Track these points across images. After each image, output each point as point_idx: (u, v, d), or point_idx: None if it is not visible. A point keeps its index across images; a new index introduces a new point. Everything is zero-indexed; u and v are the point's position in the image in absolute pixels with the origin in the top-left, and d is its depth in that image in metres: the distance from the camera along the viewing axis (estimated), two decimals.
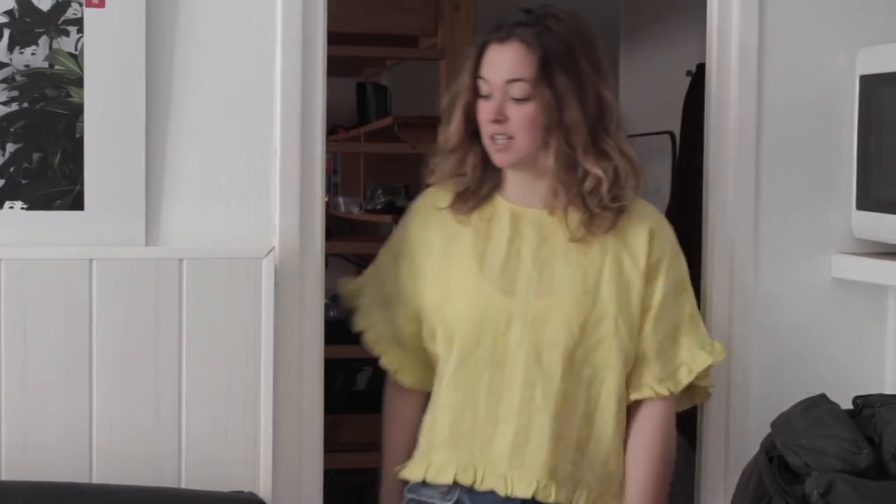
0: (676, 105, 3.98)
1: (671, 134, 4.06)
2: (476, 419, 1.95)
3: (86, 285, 2.07)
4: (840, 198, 2.37)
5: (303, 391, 2.18)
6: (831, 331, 2.37)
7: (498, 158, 1.95)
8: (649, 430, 2.01)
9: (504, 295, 1.94)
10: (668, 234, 2.03)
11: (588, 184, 1.92)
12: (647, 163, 4.12)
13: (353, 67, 5.00)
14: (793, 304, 2.34)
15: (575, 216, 1.94)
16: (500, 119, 1.91)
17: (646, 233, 1.98)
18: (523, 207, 1.99)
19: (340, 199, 4.79)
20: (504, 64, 1.91)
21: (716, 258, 2.33)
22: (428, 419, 2.03)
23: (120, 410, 2.10)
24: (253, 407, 2.13)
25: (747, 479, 2.04)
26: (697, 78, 3.79)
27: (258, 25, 2.15)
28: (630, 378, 2.00)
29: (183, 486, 2.11)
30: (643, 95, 4.34)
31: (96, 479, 2.09)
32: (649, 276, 1.97)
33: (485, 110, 1.93)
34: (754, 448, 2.05)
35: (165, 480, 2.11)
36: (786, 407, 2.07)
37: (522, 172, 1.98)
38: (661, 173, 4.01)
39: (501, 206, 2.00)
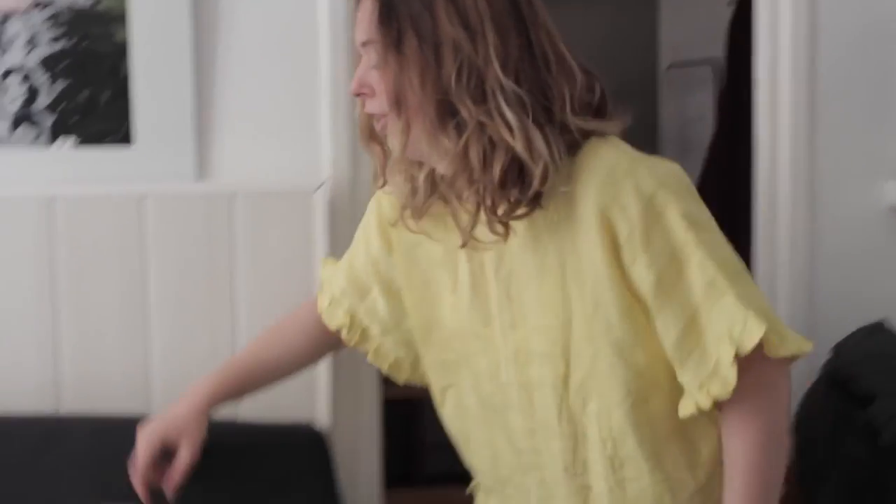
0: (719, 32, 3.91)
1: (714, 62, 4.00)
2: (509, 466, 1.58)
3: (138, 221, 2.07)
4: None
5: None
6: (889, 258, 2.34)
7: (388, 143, 1.49)
8: (729, 442, 1.45)
9: (482, 325, 1.52)
10: (631, 197, 1.40)
11: (440, 168, 1.46)
12: (690, 93, 4.09)
13: None
14: (850, 232, 2.30)
15: (463, 215, 1.46)
16: (362, 91, 1.46)
17: (593, 211, 1.41)
18: None
19: None
20: (359, 22, 1.47)
21: (769, 187, 2.29)
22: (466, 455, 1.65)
23: (177, 344, 2.11)
24: None
25: (809, 405, 2.02)
26: (742, 4, 3.72)
27: None
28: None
29: (240, 418, 2.12)
30: (685, 23, 4.27)
31: (156, 411, 2.10)
32: (626, 262, 1.42)
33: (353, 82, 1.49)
34: (816, 375, 2.03)
35: (223, 413, 2.11)
36: (846, 333, 2.06)
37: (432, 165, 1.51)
38: (703, 102, 3.96)
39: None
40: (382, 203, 1.62)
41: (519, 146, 1.37)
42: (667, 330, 1.42)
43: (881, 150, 2.32)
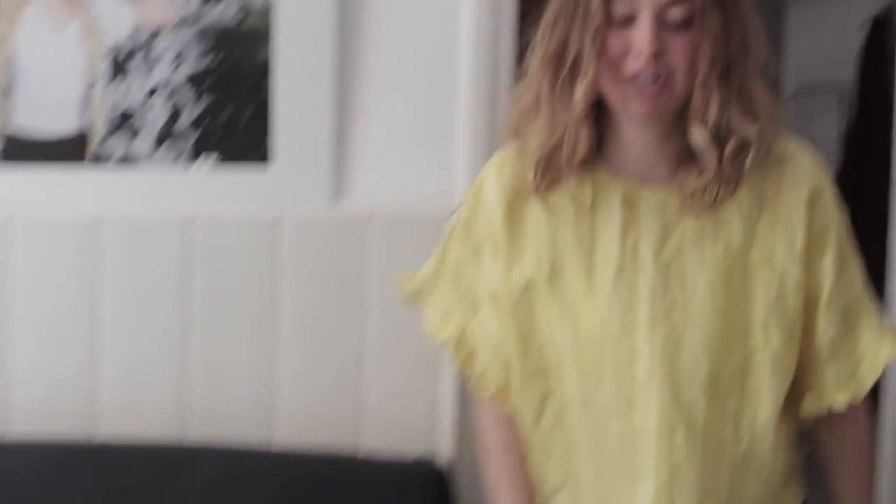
0: (846, 60, 3.81)
1: (839, 91, 3.90)
2: (614, 476, 1.48)
3: (272, 241, 2.07)
4: None
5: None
6: None
7: (641, 106, 1.40)
8: (851, 443, 1.54)
9: (623, 313, 1.44)
10: (830, 190, 1.47)
11: (731, 147, 1.41)
12: (811, 122, 3.98)
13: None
14: None
15: (693, 182, 1.44)
16: (660, 51, 1.37)
17: (805, 196, 1.44)
18: (639, 184, 1.46)
19: None
20: None
21: None
22: (545, 473, 1.58)
23: (304, 372, 2.10)
24: (435, 369, 2.10)
25: None
26: (876, 31, 3.63)
27: None
28: (799, 389, 1.51)
29: (362, 449, 2.10)
30: (809, 50, 4.18)
31: (276, 439, 2.10)
32: (813, 254, 1.46)
33: (638, 39, 1.37)
34: None
35: (344, 444, 2.10)
36: None
37: (649, 130, 1.45)
38: (825, 135, 3.85)
39: (608, 184, 1.46)
40: (495, 203, 1.52)
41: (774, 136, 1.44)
42: (829, 324, 1.47)
43: None
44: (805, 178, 1.45)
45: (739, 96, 1.40)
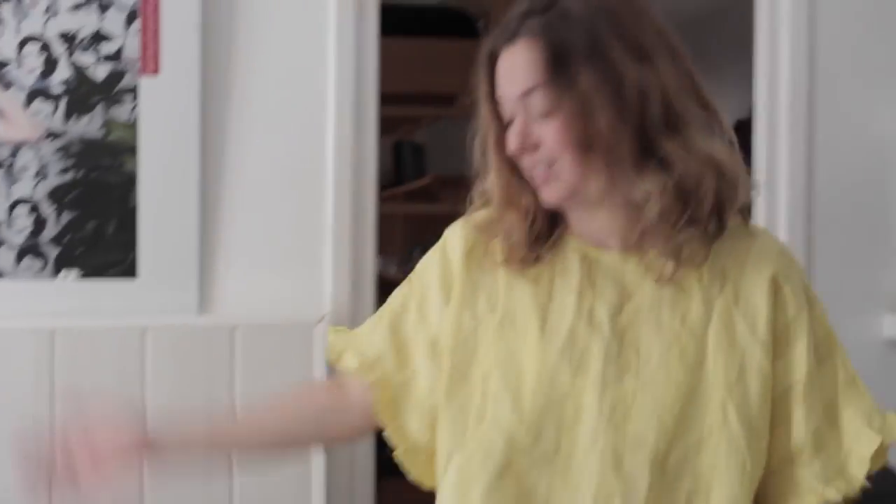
0: None
1: None
2: None
3: (139, 353, 2.07)
4: (894, 255, 2.34)
5: (355, 457, 2.16)
6: (883, 392, 2.32)
7: (544, 195, 1.41)
8: None
9: (573, 373, 1.40)
10: (799, 278, 1.44)
11: (649, 209, 1.37)
12: None
13: (388, 126, 5.02)
14: None
15: (654, 251, 1.41)
16: (528, 146, 1.39)
17: (766, 283, 1.41)
18: (597, 249, 1.44)
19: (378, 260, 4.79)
20: (513, 72, 1.39)
21: None
22: None
23: (170, 481, 2.09)
24: (304, 476, 2.11)
25: None
26: (741, 133, 3.79)
27: (311, 92, 2.16)
28: (780, 485, 1.44)
29: None
30: None
31: None
32: (780, 345, 1.42)
33: (509, 140, 1.40)
34: None
35: None
36: None
37: (588, 211, 1.44)
38: None
39: (570, 248, 1.45)
40: (455, 248, 1.50)
41: (718, 171, 1.35)
42: (807, 419, 1.41)
43: (878, 284, 2.34)
44: (769, 261, 1.42)
45: (645, 151, 1.35)
